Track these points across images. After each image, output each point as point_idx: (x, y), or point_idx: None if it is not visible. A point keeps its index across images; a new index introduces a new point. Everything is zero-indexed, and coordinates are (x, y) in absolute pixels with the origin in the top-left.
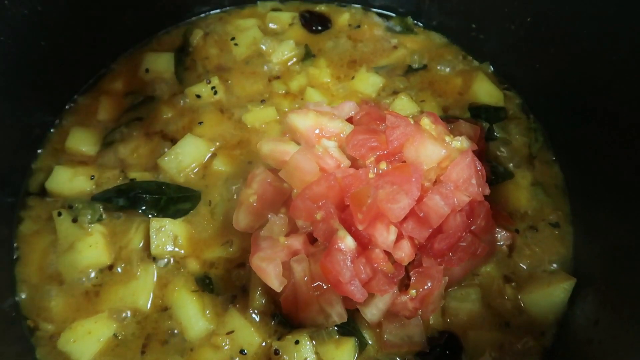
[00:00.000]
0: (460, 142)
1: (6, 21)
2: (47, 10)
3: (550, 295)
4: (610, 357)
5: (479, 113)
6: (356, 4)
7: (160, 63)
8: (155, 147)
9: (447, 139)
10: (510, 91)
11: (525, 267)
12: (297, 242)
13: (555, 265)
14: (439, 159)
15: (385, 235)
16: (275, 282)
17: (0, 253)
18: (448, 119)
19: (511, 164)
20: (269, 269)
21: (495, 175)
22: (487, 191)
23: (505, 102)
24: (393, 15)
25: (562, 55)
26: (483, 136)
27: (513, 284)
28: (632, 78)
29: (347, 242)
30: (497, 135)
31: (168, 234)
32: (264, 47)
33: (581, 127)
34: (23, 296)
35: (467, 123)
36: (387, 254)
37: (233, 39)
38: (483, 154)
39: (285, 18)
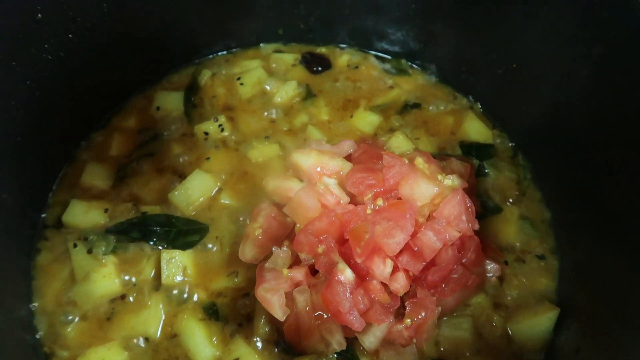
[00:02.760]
0: (451, 181)
1: (32, 66)
2: (68, 56)
3: (537, 324)
4: None
5: (470, 150)
6: (355, 46)
7: (171, 101)
8: (165, 181)
9: (440, 177)
10: (499, 130)
11: (513, 298)
12: (299, 274)
13: (541, 295)
14: (432, 196)
15: (382, 268)
16: (279, 312)
17: (20, 282)
18: (441, 156)
19: (500, 200)
20: (273, 299)
21: (485, 209)
22: (477, 226)
23: (494, 140)
24: (389, 57)
25: (545, 98)
26: (474, 173)
27: (502, 313)
28: (614, 120)
29: (346, 275)
30: (487, 172)
31: (178, 265)
32: (268, 87)
33: (567, 165)
34: (40, 323)
35: (458, 161)
36: (384, 285)
37: (239, 78)
38: (473, 189)
39: (287, 59)
